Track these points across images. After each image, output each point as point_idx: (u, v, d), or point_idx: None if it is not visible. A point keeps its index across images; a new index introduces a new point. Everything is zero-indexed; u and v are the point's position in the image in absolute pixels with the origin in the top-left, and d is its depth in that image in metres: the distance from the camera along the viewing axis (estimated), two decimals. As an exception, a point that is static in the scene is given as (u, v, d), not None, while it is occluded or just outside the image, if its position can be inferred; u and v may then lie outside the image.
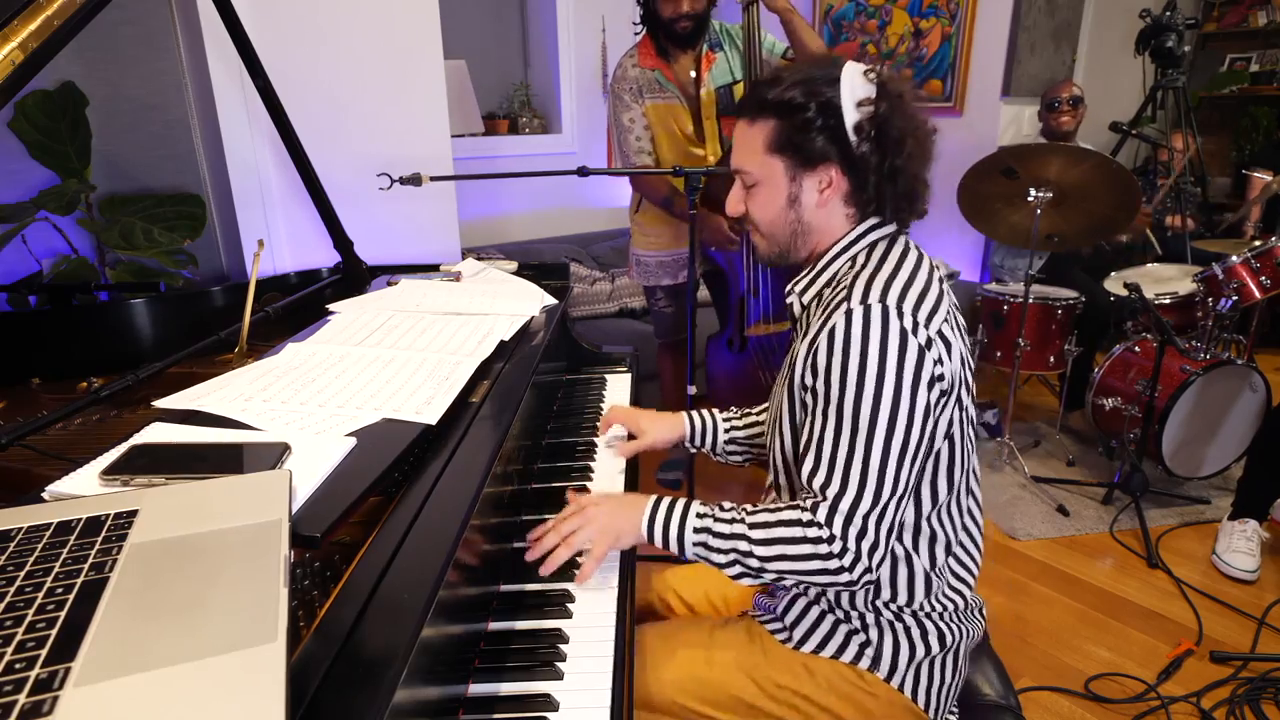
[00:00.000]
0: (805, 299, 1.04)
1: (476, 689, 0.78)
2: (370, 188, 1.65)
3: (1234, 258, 2.46)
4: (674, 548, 0.95)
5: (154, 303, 1.35)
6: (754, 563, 0.91)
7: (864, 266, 0.96)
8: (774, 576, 0.92)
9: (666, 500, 0.97)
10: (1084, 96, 3.05)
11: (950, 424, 0.94)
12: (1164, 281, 2.79)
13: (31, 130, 1.54)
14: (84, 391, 1.04)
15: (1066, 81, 3.18)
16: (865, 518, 0.87)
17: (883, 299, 0.89)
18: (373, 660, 0.55)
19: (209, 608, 0.51)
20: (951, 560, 1.01)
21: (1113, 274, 2.84)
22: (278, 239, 1.80)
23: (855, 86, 0.94)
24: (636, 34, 2.27)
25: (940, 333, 0.90)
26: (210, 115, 1.68)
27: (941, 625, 1.00)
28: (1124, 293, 2.47)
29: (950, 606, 1.01)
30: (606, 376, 1.63)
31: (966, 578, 1.04)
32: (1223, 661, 1.82)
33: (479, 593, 0.88)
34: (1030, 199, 2.40)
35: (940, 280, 0.96)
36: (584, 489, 1.18)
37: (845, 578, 0.88)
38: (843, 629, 1.01)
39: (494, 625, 0.87)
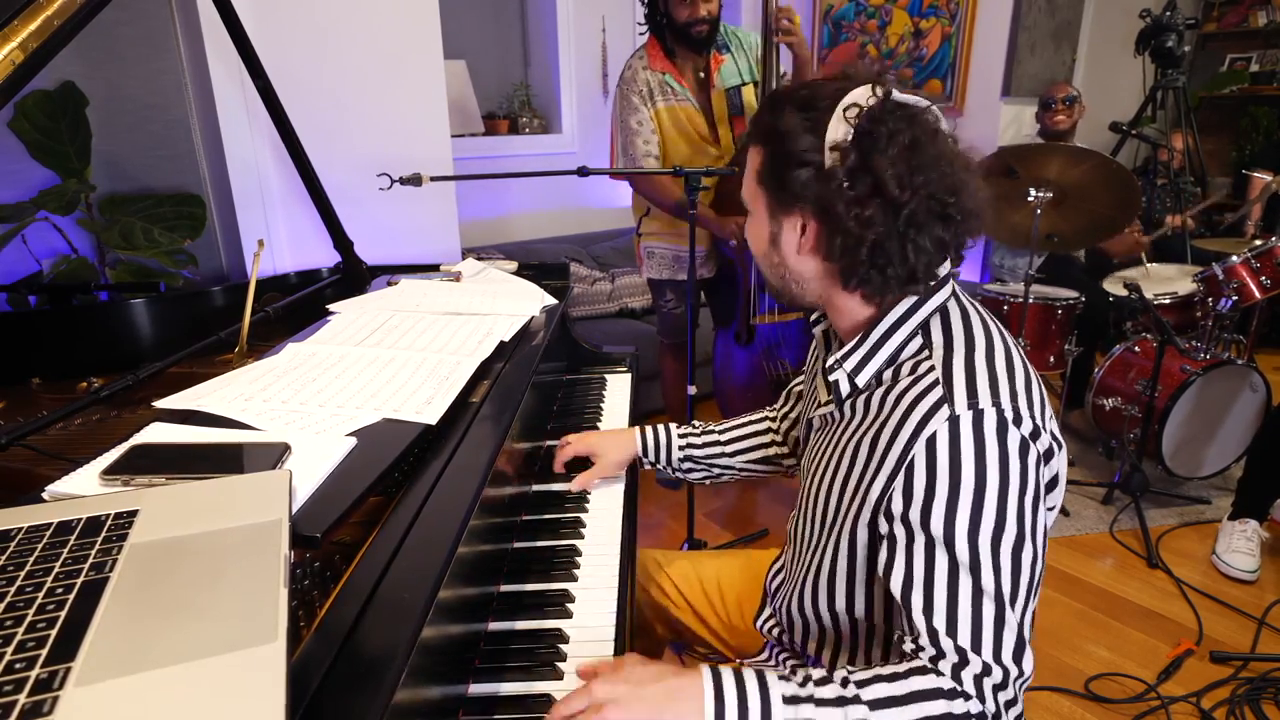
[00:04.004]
0: (860, 381, 0.84)
1: (477, 689, 0.78)
2: (370, 188, 1.65)
3: (1234, 258, 2.46)
4: None
5: (154, 303, 1.35)
6: None
7: (948, 347, 0.79)
8: None
9: (729, 675, 0.70)
10: (1080, 96, 3.07)
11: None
12: (1164, 281, 2.79)
13: (31, 130, 1.54)
14: (84, 391, 1.04)
15: (1062, 83, 3.23)
16: (1018, 683, 0.70)
17: (995, 398, 0.73)
18: (373, 660, 0.55)
19: (209, 608, 0.51)
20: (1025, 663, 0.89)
21: (1112, 274, 2.84)
22: (278, 239, 1.80)
23: (837, 123, 0.77)
24: (641, 34, 2.27)
25: (1054, 433, 0.76)
26: (210, 115, 1.68)
27: None
28: (1124, 293, 2.47)
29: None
30: (606, 376, 1.63)
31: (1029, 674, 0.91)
32: (1223, 661, 1.82)
33: (479, 593, 0.87)
34: (1030, 199, 2.39)
35: (1016, 344, 0.82)
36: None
37: None
38: None
39: (494, 625, 0.87)
